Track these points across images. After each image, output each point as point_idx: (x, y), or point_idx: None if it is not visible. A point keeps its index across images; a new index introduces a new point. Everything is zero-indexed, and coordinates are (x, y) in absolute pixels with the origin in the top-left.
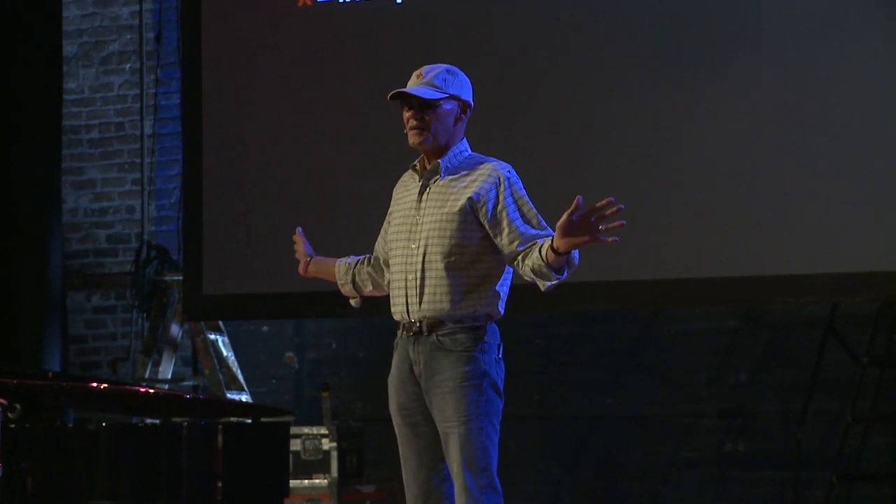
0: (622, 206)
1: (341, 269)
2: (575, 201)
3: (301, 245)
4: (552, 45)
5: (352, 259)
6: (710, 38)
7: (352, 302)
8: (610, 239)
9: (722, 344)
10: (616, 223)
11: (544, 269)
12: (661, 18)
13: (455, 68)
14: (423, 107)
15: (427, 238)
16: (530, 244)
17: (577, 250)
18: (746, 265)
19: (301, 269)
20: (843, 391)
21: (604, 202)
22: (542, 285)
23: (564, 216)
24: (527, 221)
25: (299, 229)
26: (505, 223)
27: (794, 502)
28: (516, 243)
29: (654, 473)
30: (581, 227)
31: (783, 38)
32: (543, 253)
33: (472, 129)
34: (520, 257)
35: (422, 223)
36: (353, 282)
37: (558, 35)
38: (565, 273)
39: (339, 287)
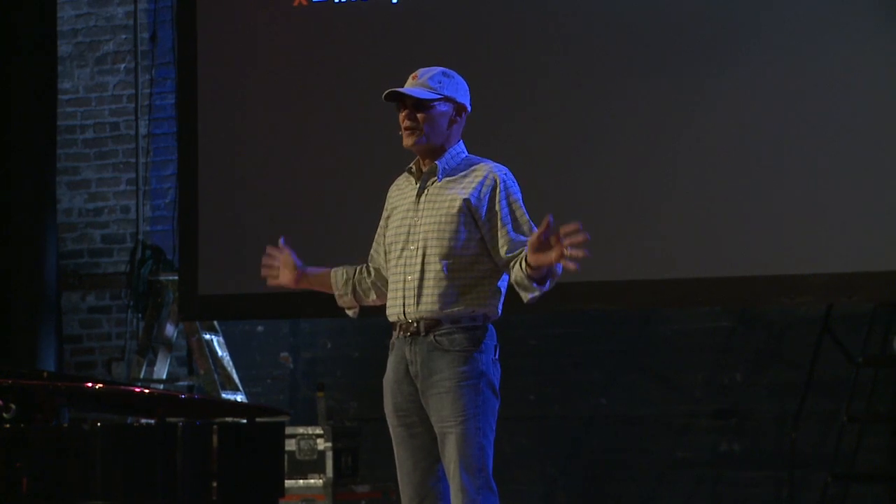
0: (588, 236)
1: (339, 280)
2: (546, 220)
3: (288, 256)
4: (548, 45)
5: (347, 268)
6: (706, 38)
7: (349, 313)
8: (571, 265)
9: (717, 344)
10: (578, 252)
11: (525, 282)
12: (658, 19)
13: (451, 71)
14: (416, 107)
15: (425, 239)
16: (518, 252)
17: (560, 264)
18: (741, 265)
19: (290, 282)
20: (838, 391)
21: (569, 227)
22: (525, 297)
23: (534, 234)
24: (518, 227)
25: (282, 240)
26: (497, 228)
27: (789, 502)
28: (505, 249)
29: (649, 473)
30: (549, 246)
31: (778, 38)
32: (523, 265)
33: (468, 129)
34: (509, 264)
35: (420, 224)
36: (354, 292)
37: (554, 35)
38: (547, 285)
39: (337, 298)
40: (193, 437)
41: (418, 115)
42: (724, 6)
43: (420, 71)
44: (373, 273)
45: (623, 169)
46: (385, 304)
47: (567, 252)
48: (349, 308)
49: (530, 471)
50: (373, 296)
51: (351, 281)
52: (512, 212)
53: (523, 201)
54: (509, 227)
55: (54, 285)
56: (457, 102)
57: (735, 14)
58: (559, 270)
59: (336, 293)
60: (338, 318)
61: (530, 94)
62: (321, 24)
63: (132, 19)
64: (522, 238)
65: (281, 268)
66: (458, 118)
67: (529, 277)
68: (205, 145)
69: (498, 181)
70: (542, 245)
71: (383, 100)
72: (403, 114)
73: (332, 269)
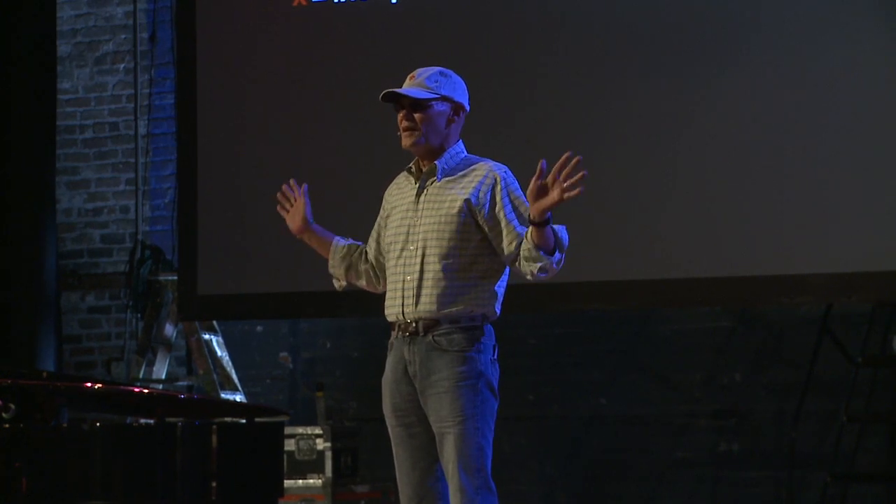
0: (580, 157)
1: (337, 255)
2: (539, 166)
3: (303, 204)
4: (547, 46)
5: (350, 242)
6: (706, 38)
7: (336, 284)
8: (575, 191)
9: (716, 344)
10: (578, 175)
11: (533, 252)
12: (658, 18)
13: (449, 71)
14: (413, 107)
15: (425, 240)
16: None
17: (566, 234)
18: (741, 265)
19: (296, 230)
20: (837, 391)
21: (562, 158)
22: (534, 269)
23: (532, 184)
24: (523, 222)
25: (304, 187)
26: (503, 224)
27: (788, 502)
28: (514, 244)
29: (648, 473)
30: (548, 190)
31: (778, 38)
32: (529, 236)
33: (467, 128)
34: (519, 256)
35: (419, 225)
36: (347, 270)
37: (554, 35)
38: (556, 256)
39: (329, 267)
40: (193, 437)
41: (416, 116)
42: (724, 6)
43: (417, 71)
44: (371, 260)
45: (623, 169)
46: (377, 297)
47: (565, 185)
48: (336, 279)
49: (530, 471)
50: (363, 280)
51: (347, 258)
52: (515, 207)
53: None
54: (515, 222)
55: (54, 285)
56: (454, 102)
57: (735, 14)
58: (565, 240)
59: (330, 262)
60: (337, 319)
61: (530, 94)
62: (320, 24)
63: (131, 19)
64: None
65: (292, 211)
66: (455, 117)
67: (536, 246)
68: (204, 145)
69: (498, 179)
70: (541, 190)
71: (381, 101)
72: (401, 114)
73: (335, 240)
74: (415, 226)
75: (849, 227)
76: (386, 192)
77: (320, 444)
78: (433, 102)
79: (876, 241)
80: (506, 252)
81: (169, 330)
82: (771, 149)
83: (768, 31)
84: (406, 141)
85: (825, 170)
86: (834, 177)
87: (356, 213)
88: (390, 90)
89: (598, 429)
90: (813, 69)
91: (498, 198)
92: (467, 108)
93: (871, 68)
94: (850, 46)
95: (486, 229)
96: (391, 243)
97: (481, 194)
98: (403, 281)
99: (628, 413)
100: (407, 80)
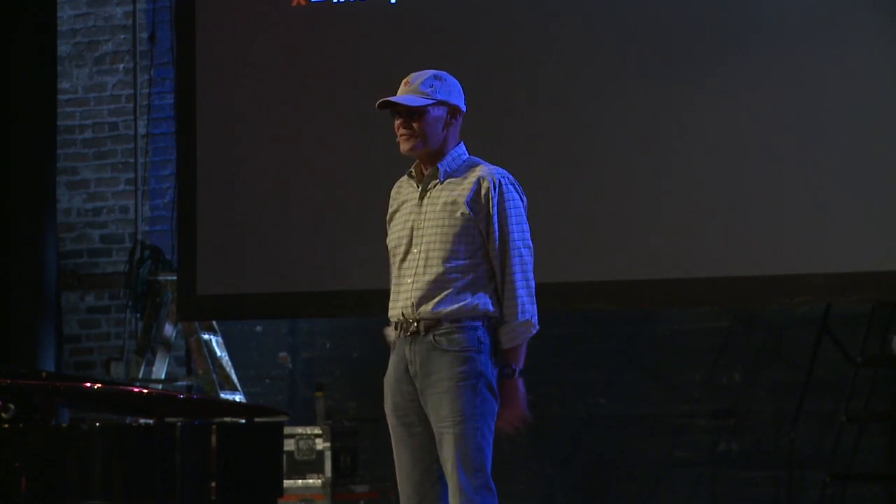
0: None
1: None
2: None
3: None
4: (546, 46)
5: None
6: (703, 37)
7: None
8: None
9: (715, 344)
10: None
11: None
12: (656, 18)
13: (443, 73)
14: (410, 115)
15: (428, 241)
16: (507, 281)
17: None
18: (740, 265)
19: None
20: (836, 391)
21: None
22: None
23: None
24: (508, 232)
25: None
26: (491, 230)
27: (787, 502)
28: (497, 254)
29: (647, 473)
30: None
31: (778, 37)
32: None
33: (466, 129)
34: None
35: (423, 226)
36: None
37: (552, 35)
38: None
39: None
40: (192, 437)
41: (413, 124)
42: (724, 6)
43: (412, 76)
44: None
45: (623, 169)
46: (377, 297)
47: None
48: None
49: (529, 471)
50: None
51: None
52: (506, 216)
53: (524, 206)
54: (496, 233)
55: (54, 285)
56: (450, 105)
57: (735, 13)
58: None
59: None
60: (337, 319)
61: (529, 94)
62: (320, 24)
63: (131, 19)
64: (514, 247)
65: None
66: (453, 120)
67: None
68: (203, 145)
69: (495, 183)
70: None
71: (377, 108)
72: (398, 122)
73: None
74: (419, 228)
75: (848, 227)
76: (390, 198)
77: (320, 444)
78: (430, 108)
79: (875, 241)
80: (491, 257)
81: (168, 330)
82: (771, 149)
83: (769, 31)
84: (404, 146)
85: (825, 169)
86: (833, 176)
87: (356, 212)
88: (385, 99)
89: (598, 429)
90: (812, 69)
91: (490, 203)
92: (464, 108)
93: (870, 68)
94: (849, 46)
95: (481, 229)
96: (396, 246)
97: (480, 197)
98: (406, 282)
99: (627, 413)
100: (402, 86)
